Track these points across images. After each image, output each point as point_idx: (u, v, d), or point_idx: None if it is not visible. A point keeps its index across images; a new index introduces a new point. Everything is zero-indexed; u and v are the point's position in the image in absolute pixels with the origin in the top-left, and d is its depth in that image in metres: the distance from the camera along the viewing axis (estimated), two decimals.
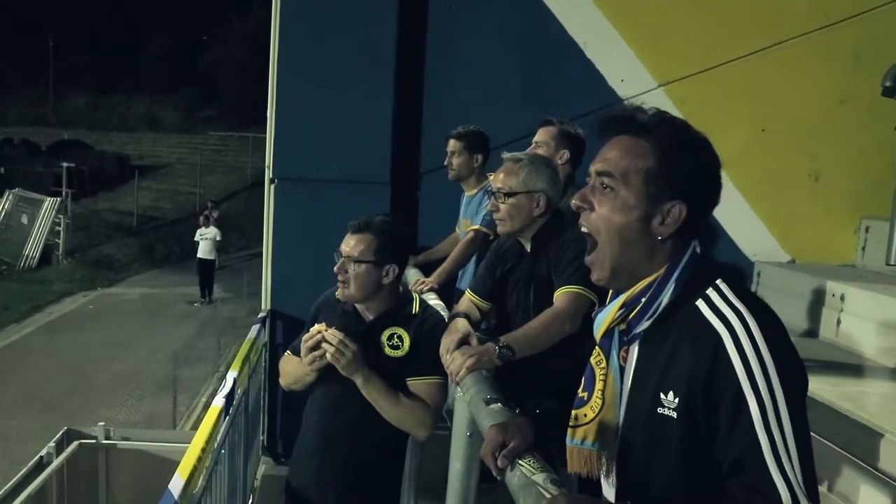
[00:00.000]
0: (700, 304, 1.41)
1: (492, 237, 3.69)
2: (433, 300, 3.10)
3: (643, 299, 1.46)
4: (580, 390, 1.56)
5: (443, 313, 2.88)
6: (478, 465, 2.00)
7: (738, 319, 1.36)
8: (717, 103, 4.80)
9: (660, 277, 1.46)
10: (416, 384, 2.63)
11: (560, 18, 4.98)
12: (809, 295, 4.32)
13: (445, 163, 4.11)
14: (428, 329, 2.64)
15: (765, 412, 1.31)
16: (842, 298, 4.10)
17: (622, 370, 1.51)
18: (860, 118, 4.84)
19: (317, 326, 2.59)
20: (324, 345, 2.54)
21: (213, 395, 11.63)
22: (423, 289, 3.56)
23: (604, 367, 1.53)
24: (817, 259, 4.94)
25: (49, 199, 24.10)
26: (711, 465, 1.36)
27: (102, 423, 5.79)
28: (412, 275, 3.89)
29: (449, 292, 3.83)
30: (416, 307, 2.73)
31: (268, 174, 5.13)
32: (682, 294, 1.44)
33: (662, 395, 1.40)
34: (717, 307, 1.39)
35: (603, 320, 1.54)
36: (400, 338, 2.64)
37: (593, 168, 1.52)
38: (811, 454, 1.34)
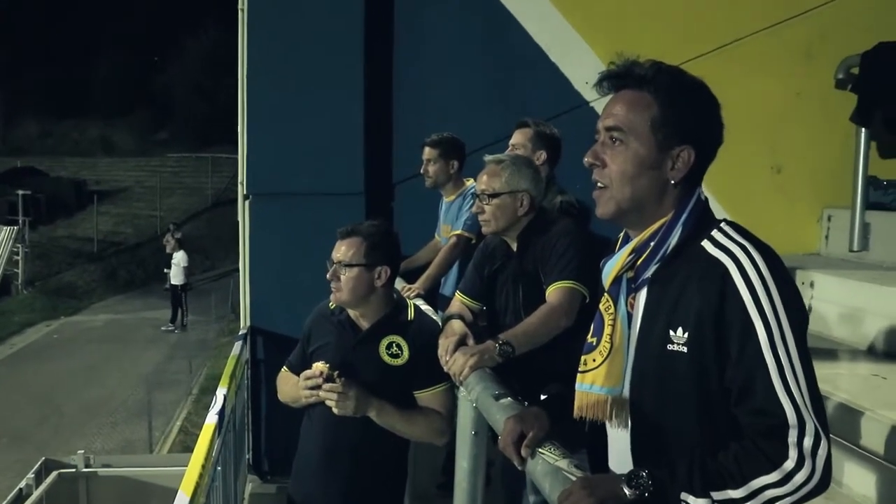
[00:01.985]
0: (705, 243, 1.48)
1: (474, 241, 3.74)
2: (423, 306, 3.13)
3: (652, 244, 1.53)
4: (589, 336, 1.62)
5: (436, 317, 2.92)
6: (484, 462, 2.05)
7: (742, 252, 1.44)
8: None
9: (668, 222, 1.53)
10: (425, 395, 2.64)
11: (523, 24, 5.07)
12: None
13: (422, 171, 4.15)
14: (427, 337, 2.64)
15: (772, 337, 1.39)
16: (811, 286, 4.22)
17: (630, 316, 1.57)
18: (817, 110, 4.98)
19: (317, 366, 2.55)
20: (323, 395, 2.51)
21: (187, 419, 11.54)
22: (409, 295, 3.59)
23: (612, 313, 1.58)
24: (783, 249, 4.98)
25: (5, 228, 23.56)
26: (721, 397, 1.43)
27: (82, 452, 5.72)
28: (396, 282, 3.92)
29: (433, 299, 3.86)
30: (411, 313, 2.73)
31: (241, 190, 5.12)
32: (688, 236, 1.50)
33: (672, 332, 1.46)
34: (722, 244, 1.46)
35: (612, 267, 1.59)
36: (399, 346, 2.63)
37: (601, 124, 1.57)
38: (815, 380, 1.41)
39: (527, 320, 2.42)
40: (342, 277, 2.62)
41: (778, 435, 1.36)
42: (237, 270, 5.49)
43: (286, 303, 4.76)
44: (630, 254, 1.56)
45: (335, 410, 2.52)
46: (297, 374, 2.71)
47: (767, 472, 1.34)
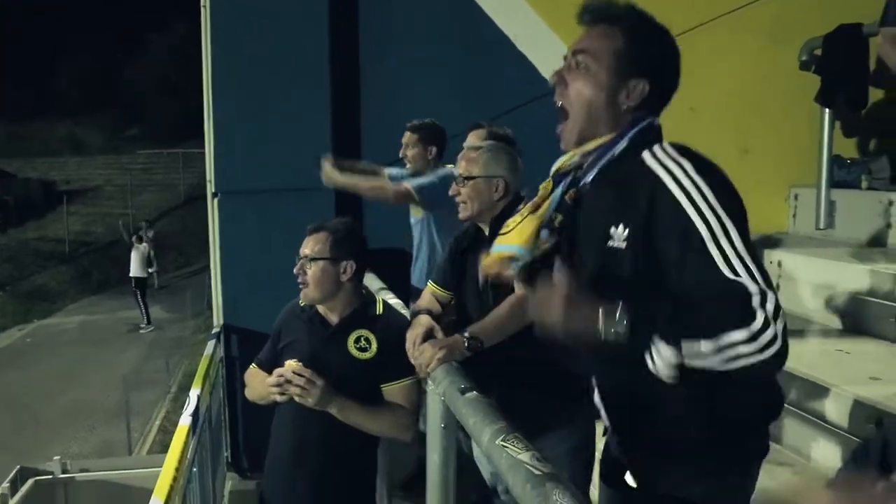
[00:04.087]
0: (645, 154, 1.59)
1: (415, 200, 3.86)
2: (391, 299, 3.13)
3: (599, 150, 1.67)
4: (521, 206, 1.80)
5: (404, 311, 2.92)
6: (455, 455, 2.06)
7: (676, 164, 1.53)
8: None
9: (617, 134, 1.66)
10: (391, 389, 2.66)
11: (489, 13, 5.06)
12: None
13: (401, 154, 4.16)
14: (394, 331, 2.65)
15: (712, 231, 1.45)
16: (779, 265, 4.28)
17: (564, 206, 1.72)
18: (782, 92, 5.03)
19: (289, 364, 2.58)
20: (289, 387, 2.54)
21: (166, 418, 11.48)
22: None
23: (547, 192, 1.75)
24: (752, 229, 5.12)
25: None
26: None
27: (58, 458, 5.67)
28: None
29: (404, 293, 3.85)
30: (379, 308, 2.76)
31: (210, 188, 5.09)
32: (630, 147, 1.63)
33: (612, 229, 1.57)
34: (660, 157, 1.56)
35: (559, 161, 1.75)
36: (367, 340, 2.67)
37: (571, 48, 1.72)
38: (763, 267, 1.48)
39: (495, 312, 2.42)
40: (308, 272, 2.66)
41: (744, 300, 1.40)
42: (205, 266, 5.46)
43: (258, 299, 4.74)
44: (574, 155, 1.71)
45: (297, 399, 2.54)
46: (267, 370, 2.73)
47: (737, 328, 1.38)
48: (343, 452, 2.66)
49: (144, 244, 18.31)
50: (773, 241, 4.58)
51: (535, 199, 1.77)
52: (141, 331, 17.68)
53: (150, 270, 19.44)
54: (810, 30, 4.81)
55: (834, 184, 4.62)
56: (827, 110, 4.61)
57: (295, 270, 2.68)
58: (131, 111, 41.09)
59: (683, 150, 1.58)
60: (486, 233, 2.68)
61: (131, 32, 41.45)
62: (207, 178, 5.14)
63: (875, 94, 4.74)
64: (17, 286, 22.46)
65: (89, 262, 25.43)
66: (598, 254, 1.61)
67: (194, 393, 3.65)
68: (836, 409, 2.91)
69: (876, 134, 5.02)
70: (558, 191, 1.73)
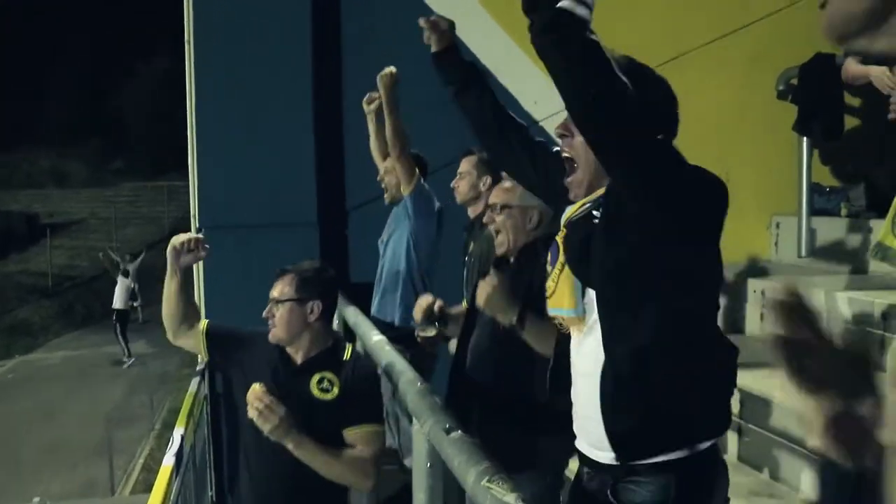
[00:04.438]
0: None
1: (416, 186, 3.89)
2: (375, 336, 3.11)
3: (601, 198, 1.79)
4: (548, 263, 1.88)
5: (388, 348, 2.90)
6: (441, 495, 2.04)
7: None
8: None
9: None
10: (352, 433, 2.62)
11: (470, 46, 5.10)
12: (731, 292, 4.52)
13: (378, 179, 4.15)
14: (360, 376, 2.66)
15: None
16: (762, 294, 4.31)
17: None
18: (761, 120, 5.10)
19: (253, 387, 2.54)
20: (251, 405, 2.50)
21: (150, 456, 11.31)
22: None
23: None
24: (735, 258, 5.16)
25: None
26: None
27: (38, 499, 5.59)
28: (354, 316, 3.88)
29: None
30: (348, 354, 2.75)
31: (194, 223, 5.08)
32: None
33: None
34: None
35: (570, 209, 1.86)
36: (330, 381, 2.64)
37: None
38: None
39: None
40: (276, 314, 2.66)
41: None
42: None
43: None
44: (584, 204, 1.82)
45: (256, 422, 2.50)
46: (218, 335, 2.84)
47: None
48: (309, 486, 2.60)
49: (129, 278, 18.19)
50: (755, 270, 4.61)
51: (560, 255, 1.84)
52: (123, 365, 17.50)
53: (133, 304, 19.37)
54: (787, 59, 4.89)
55: (814, 212, 4.67)
56: (805, 139, 4.68)
57: (264, 314, 2.69)
58: (116, 142, 40.98)
59: None
60: (511, 262, 2.68)
61: (117, 63, 41.44)
62: (191, 212, 5.13)
63: (851, 122, 4.81)
64: None
65: (73, 296, 25.18)
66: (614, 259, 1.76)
67: (178, 433, 3.61)
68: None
69: (853, 161, 5.08)
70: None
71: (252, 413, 2.50)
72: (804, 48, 4.65)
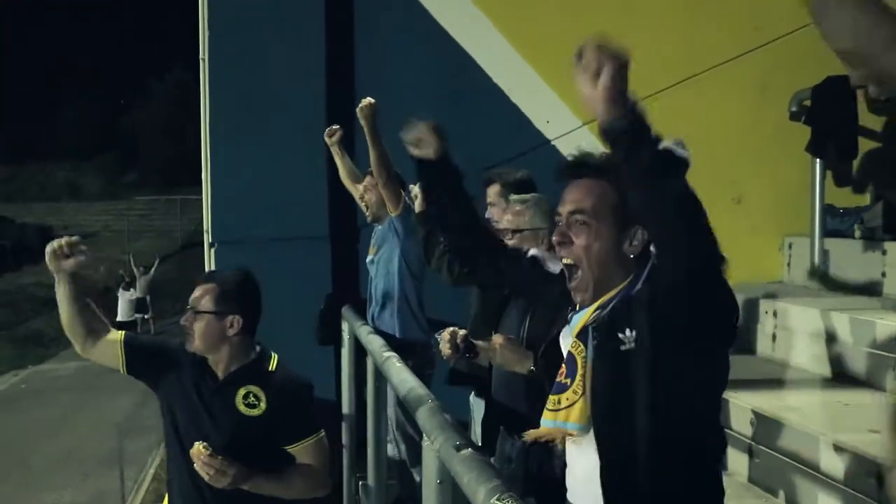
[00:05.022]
0: None
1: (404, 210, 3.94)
2: (397, 365, 3.09)
3: (619, 297, 1.74)
4: (563, 377, 1.79)
5: (403, 372, 2.88)
6: None
7: None
8: None
9: (633, 279, 1.75)
10: (296, 450, 2.60)
11: (483, 66, 5.15)
12: (743, 314, 4.50)
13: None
14: (288, 391, 2.62)
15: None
16: (774, 315, 4.29)
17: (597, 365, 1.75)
18: (774, 142, 5.10)
19: (197, 448, 2.42)
20: (201, 468, 2.42)
21: (160, 467, 11.32)
22: None
23: (584, 357, 1.76)
24: (747, 279, 5.15)
25: None
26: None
27: None
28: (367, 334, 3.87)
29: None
30: (273, 364, 2.67)
31: (207, 238, 5.11)
32: (644, 287, 1.72)
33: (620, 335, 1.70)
34: None
35: (580, 319, 1.79)
36: (256, 396, 2.59)
37: (564, 210, 1.79)
38: None
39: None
40: (194, 325, 2.59)
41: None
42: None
43: None
44: (596, 309, 1.75)
45: (209, 481, 2.45)
46: (136, 346, 2.74)
47: None
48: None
49: (132, 290, 18.67)
50: (768, 291, 4.60)
51: (578, 369, 1.75)
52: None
53: (145, 316, 19.54)
54: (800, 81, 4.89)
55: (827, 233, 4.66)
56: (818, 160, 4.67)
57: (182, 321, 2.63)
58: (129, 156, 41.33)
59: None
60: None
61: (132, 79, 41.91)
62: (204, 227, 5.17)
63: (865, 144, 4.81)
64: (13, 331, 22.34)
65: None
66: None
67: None
68: (834, 463, 2.89)
69: (867, 183, 5.07)
70: (590, 349, 1.75)
71: (203, 475, 2.43)
72: (816, 70, 4.65)
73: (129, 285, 19.03)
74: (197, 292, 2.63)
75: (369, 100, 3.91)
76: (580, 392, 1.73)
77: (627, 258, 1.75)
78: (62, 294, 2.72)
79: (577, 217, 1.76)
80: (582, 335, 1.77)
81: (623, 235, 1.75)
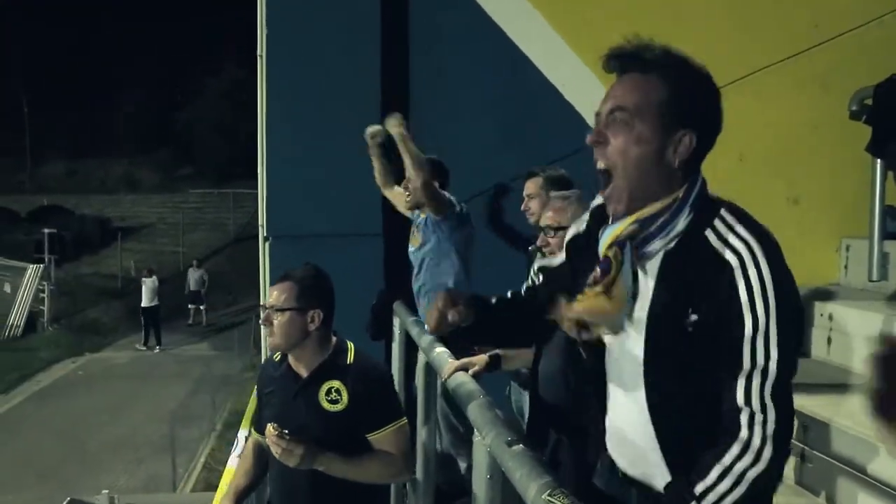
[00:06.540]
0: (709, 234, 1.51)
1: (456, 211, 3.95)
2: (437, 348, 3.14)
3: (661, 220, 1.54)
4: (594, 275, 1.59)
5: (451, 360, 2.94)
6: None
7: (746, 250, 1.48)
8: None
9: (678, 201, 1.54)
10: (376, 437, 2.63)
11: (537, 64, 5.15)
12: None
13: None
14: (366, 379, 2.65)
15: (756, 332, 1.46)
16: (830, 318, 4.21)
17: (635, 275, 1.56)
18: (832, 141, 4.99)
19: (268, 429, 2.52)
20: (271, 446, 2.51)
21: (211, 455, 11.58)
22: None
23: (619, 261, 1.55)
24: (803, 280, 5.00)
25: (32, 266, 23.99)
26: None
27: (106, 491, 5.79)
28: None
29: None
30: (350, 357, 2.71)
31: (262, 232, 5.21)
32: (694, 220, 1.53)
33: (683, 314, 1.50)
34: (726, 238, 1.50)
35: (612, 231, 1.58)
36: (338, 391, 2.62)
37: (604, 107, 1.57)
38: (789, 378, 1.54)
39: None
40: (275, 322, 2.63)
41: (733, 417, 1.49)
42: (259, 305, 5.55)
43: None
44: (633, 223, 1.55)
45: (281, 460, 2.52)
46: (259, 431, 2.78)
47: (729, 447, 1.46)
48: (335, 492, 2.62)
49: (153, 278, 20.26)
50: (823, 294, 4.51)
51: (612, 269, 1.57)
52: (137, 349, 19.78)
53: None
54: (861, 79, 4.78)
55: (887, 235, 4.55)
56: (879, 160, 4.57)
57: (261, 322, 2.68)
58: (185, 151, 42.22)
59: (745, 221, 1.53)
60: None
61: (188, 76, 42.75)
62: (260, 221, 5.27)
63: None
64: (71, 320, 23.02)
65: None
66: (674, 335, 1.53)
67: (242, 434, 3.70)
68: (888, 469, 2.84)
69: None
70: (628, 259, 1.55)
71: (276, 453, 2.51)
72: (877, 68, 4.55)
73: (151, 273, 20.55)
74: (274, 292, 2.67)
75: (397, 115, 4.01)
76: (610, 284, 1.56)
77: (672, 169, 1.54)
78: None
79: (617, 115, 1.54)
80: (619, 243, 1.57)
81: (668, 139, 1.53)
